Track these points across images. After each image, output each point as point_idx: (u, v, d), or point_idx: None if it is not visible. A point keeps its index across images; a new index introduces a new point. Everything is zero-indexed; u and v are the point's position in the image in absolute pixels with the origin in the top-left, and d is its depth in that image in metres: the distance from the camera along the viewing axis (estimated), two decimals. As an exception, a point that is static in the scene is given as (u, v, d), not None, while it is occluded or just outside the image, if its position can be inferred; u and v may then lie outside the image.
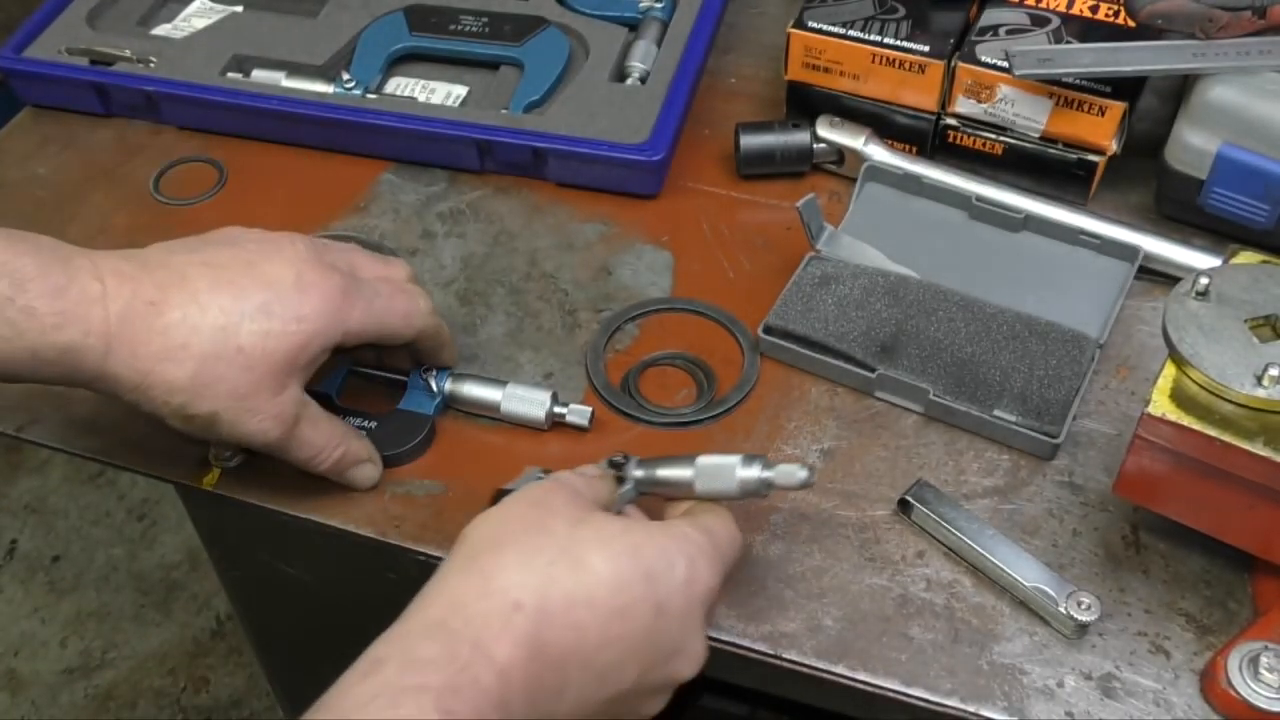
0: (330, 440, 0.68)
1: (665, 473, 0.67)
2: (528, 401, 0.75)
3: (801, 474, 0.62)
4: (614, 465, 0.67)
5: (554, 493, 0.59)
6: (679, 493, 0.67)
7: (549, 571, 0.54)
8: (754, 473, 0.63)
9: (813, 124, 0.89)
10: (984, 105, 0.85)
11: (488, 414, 0.76)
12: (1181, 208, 0.84)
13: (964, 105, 0.86)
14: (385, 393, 0.77)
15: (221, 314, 0.62)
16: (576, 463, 0.72)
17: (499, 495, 0.69)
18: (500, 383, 0.76)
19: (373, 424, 0.74)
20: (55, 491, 2.01)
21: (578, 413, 0.75)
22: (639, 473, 0.67)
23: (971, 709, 0.63)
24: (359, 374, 0.78)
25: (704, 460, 0.65)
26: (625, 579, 0.55)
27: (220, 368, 0.61)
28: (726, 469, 0.65)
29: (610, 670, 0.55)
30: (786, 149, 0.89)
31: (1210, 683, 0.62)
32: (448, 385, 0.76)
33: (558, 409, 0.75)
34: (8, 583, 1.89)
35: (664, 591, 0.56)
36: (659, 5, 0.98)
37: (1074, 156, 0.85)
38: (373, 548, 0.70)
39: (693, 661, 0.58)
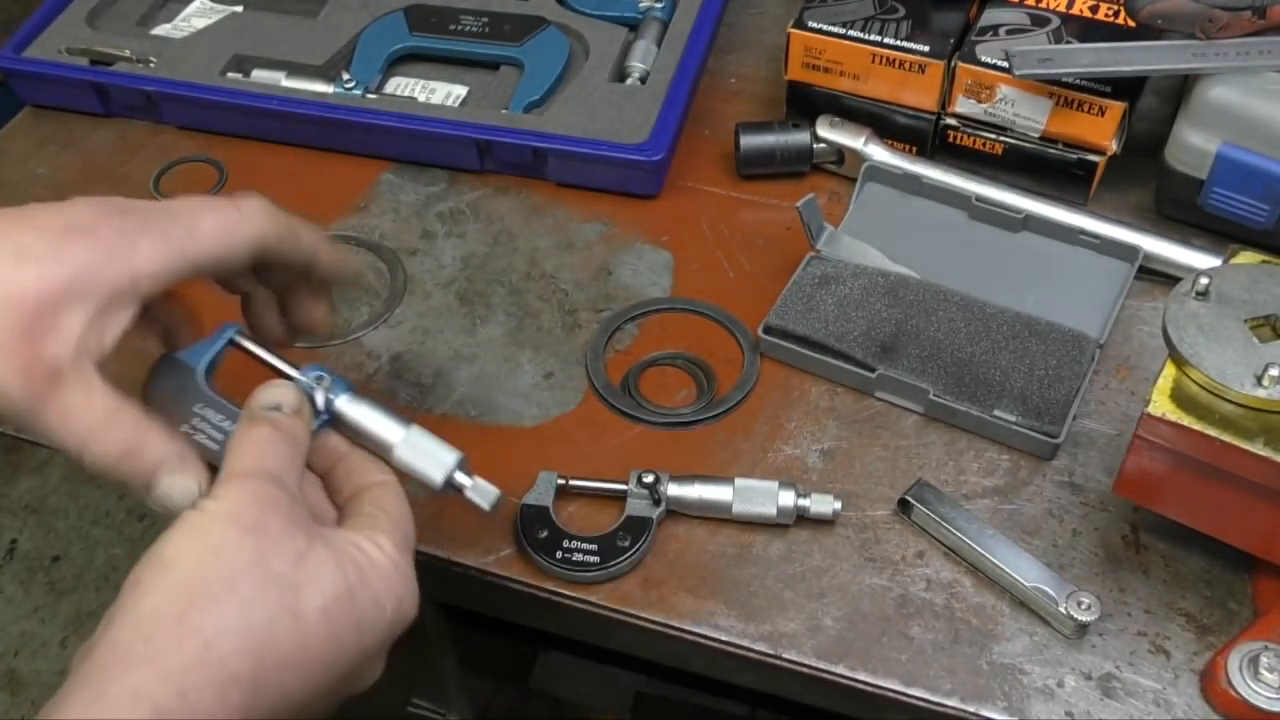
0: (107, 423, 0.54)
1: (700, 493, 0.69)
2: (428, 457, 0.61)
3: (837, 504, 0.69)
4: (645, 486, 0.68)
5: (270, 510, 0.52)
6: (711, 513, 0.70)
7: (269, 631, 0.49)
8: (790, 500, 0.69)
9: (813, 124, 0.89)
10: (984, 105, 0.85)
11: (377, 452, 0.61)
12: (1181, 208, 0.84)
13: (964, 105, 0.86)
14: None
15: None
16: (571, 465, 0.73)
17: (524, 509, 0.69)
18: (404, 422, 0.61)
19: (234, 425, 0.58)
20: (55, 491, 2.01)
21: (481, 491, 0.61)
22: (674, 492, 0.69)
23: (971, 709, 0.63)
24: (244, 350, 0.61)
25: (742, 482, 0.69)
26: (339, 632, 0.52)
27: None
28: (766, 492, 0.69)
29: (301, 702, 0.51)
30: (786, 149, 0.89)
31: (1210, 683, 0.62)
32: (341, 405, 0.60)
33: (460, 477, 0.61)
34: (8, 583, 1.89)
35: (369, 636, 0.54)
36: (659, 5, 0.98)
37: (1074, 156, 0.85)
38: (373, 548, 0.70)
39: (372, 680, 0.56)
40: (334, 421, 0.61)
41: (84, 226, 0.54)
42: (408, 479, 0.60)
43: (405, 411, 0.76)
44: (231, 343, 0.61)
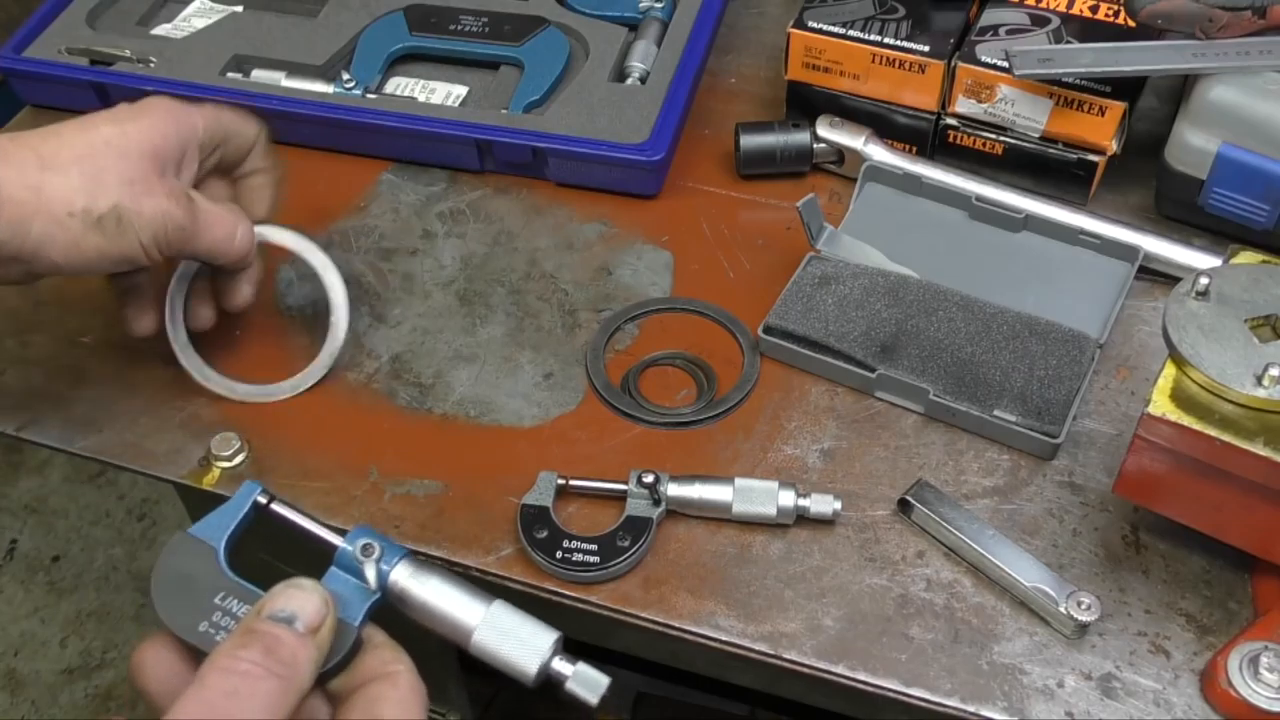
0: (234, 213, 0.73)
1: (700, 493, 0.69)
2: (517, 642, 0.52)
3: (837, 504, 0.68)
4: (645, 486, 0.68)
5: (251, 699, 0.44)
6: (711, 513, 0.69)
7: None
8: (790, 500, 0.68)
9: (813, 124, 0.89)
10: (984, 105, 0.85)
11: (449, 636, 0.53)
12: (1181, 208, 0.84)
13: (964, 105, 0.86)
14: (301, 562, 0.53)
15: (78, 127, 0.67)
16: (571, 465, 0.73)
17: (524, 509, 0.69)
18: (484, 597, 0.52)
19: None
20: (55, 491, 2.01)
21: (586, 681, 0.53)
22: (674, 492, 0.68)
23: (971, 709, 0.63)
24: (273, 516, 0.55)
25: (742, 482, 0.69)
26: None
27: (99, 159, 0.66)
28: (766, 492, 0.68)
29: None
30: (786, 149, 0.89)
31: (1210, 683, 0.62)
32: (399, 578, 0.50)
33: (560, 665, 0.53)
34: (8, 583, 1.89)
35: None
36: (659, 5, 0.98)
37: (1074, 156, 0.85)
38: (373, 548, 0.70)
39: None
40: (387, 599, 0.51)
41: (146, 102, 0.70)
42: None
43: (404, 413, 0.77)
44: (256, 506, 0.53)
